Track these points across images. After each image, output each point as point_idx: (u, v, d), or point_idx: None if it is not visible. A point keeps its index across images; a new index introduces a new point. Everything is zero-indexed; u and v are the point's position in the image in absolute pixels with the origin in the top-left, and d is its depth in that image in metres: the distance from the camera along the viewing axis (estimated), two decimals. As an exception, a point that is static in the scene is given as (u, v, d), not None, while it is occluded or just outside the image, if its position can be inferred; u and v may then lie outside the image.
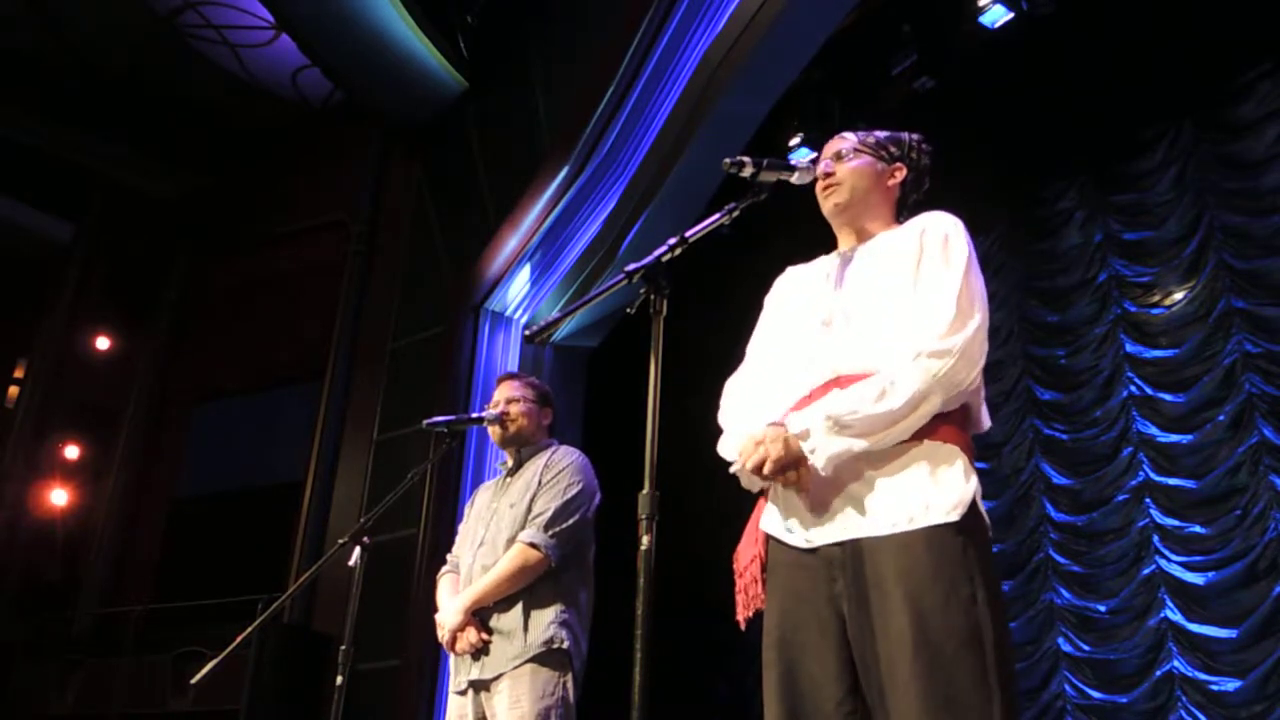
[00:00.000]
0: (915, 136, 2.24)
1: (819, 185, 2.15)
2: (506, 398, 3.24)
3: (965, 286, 1.94)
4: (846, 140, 2.20)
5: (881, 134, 2.22)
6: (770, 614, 1.94)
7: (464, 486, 6.18)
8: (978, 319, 1.92)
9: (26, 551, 8.21)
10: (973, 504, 1.85)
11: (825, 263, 2.19)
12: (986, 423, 2.01)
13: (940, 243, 2.00)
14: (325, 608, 6.47)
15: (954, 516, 1.81)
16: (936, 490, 1.83)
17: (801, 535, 1.91)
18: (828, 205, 2.16)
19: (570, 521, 3.01)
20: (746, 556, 2.04)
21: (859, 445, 1.82)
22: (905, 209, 2.20)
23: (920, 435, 1.87)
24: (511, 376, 3.36)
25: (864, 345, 1.94)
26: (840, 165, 2.15)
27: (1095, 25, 6.28)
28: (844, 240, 2.19)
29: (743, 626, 2.02)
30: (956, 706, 1.67)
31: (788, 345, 2.09)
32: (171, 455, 8.35)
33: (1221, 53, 6.04)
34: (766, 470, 1.84)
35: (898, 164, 2.18)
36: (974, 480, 1.88)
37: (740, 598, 2.04)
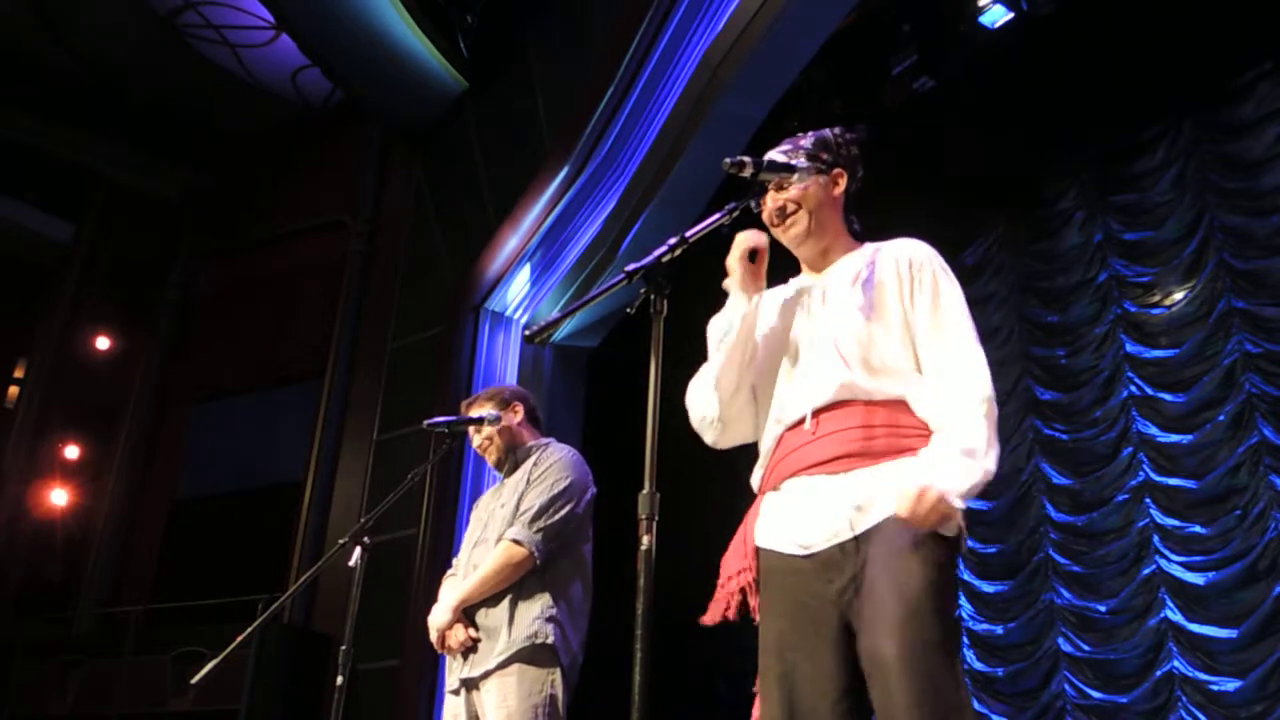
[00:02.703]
0: (836, 131, 2.21)
1: (773, 218, 2.11)
2: (475, 427, 3.20)
3: (971, 326, 2.00)
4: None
5: (807, 142, 2.16)
6: (767, 620, 1.96)
7: (464, 486, 6.18)
8: (975, 344, 2.00)
9: (26, 551, 8.21)
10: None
11: (800, 284, 2.17)
12: None
13: (932, 282, 2.02)
14: (325, 608, 6.47)
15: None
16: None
17: (796, 543, 1.94)
18: (789, 237, 2.13)
19: (557, 516, 2.98)
20: (733, 567, 2.05)
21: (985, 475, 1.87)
22: (851, 208, 2.19)
23: (917, 447, 1.92)
24: (467, 405, 3.29)
25: (857, 370, 1.97)
26: (786, 193, 2.10)
27: (1095, 25, 6.28)
28: (809, 263, 2.18)
29: (707, 624, 2.04)
30: (932, 680, 1.76)
31: (771, 366, 2.10)
32: (171, 455, 8.35)
33: (1221, 53, 6.04)
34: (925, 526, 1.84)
35: (837, 170, 2.15)
36: None
37: (715, 606, 2.05)
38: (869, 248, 2.13)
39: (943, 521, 1.81)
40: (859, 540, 1.87)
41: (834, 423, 1.95)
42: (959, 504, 1.82)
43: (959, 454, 1.84)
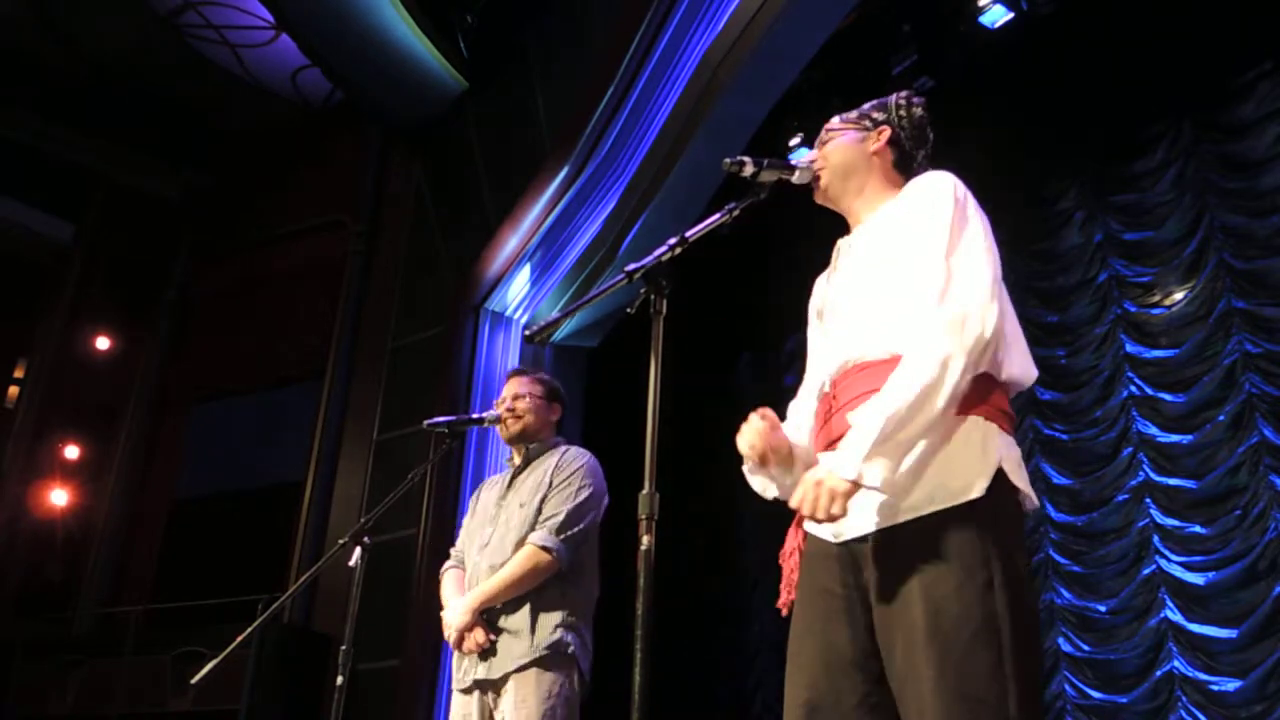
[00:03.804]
0: (903, 94, 2.18)
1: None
2: (514, 394, 3.21)
3: (952, 240, 1.86)
4: (830, 125, 2.17)
5: (867, 105, 2.17)
6: (798, 605, 1.92)
7: (464, 486, 6.18)
8: (975, 269, 1.84)
9: (26, 551, 8.21)
10: (997, 477, 1.76)
11: (836, 253, 2.15)
12: (1027, 373, 1.90)
13: (922, 206, 1.93)
14: (325, 608, 6.47)
15: (972, 494, 1.74)
16: (952, 469, 1.75)
17: (830, 529, 1.88)
18: (815, 194, 2.13)
19: (581, 526, 3.00)
20: (787, 549, 2.01)
21: (916, 447, 1.74)
22: (911, 167, 2.12)
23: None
24: (520, 372, 3.33)
25: (867, 327, 1.90)
26: (822, 152, 2.12)
27: (1095, 25, 6.28)
28: (849, 221, 2.14)
29: (784, 613, 1.95)
30: (970, 698, 1.63)
31: (810, 344, 2.11)
32: (171, 455, 8.35)
33: (1221, 53, 6.04)
34: (820, 515, 1.74)
35: (882, 127, 2.12)
36: (999, 449, 1.79)
37: (783, 590, 1.99)
38: (895, 197, 2.05)
39: (835, 498, 1.69)
40: (888, 534, 1.76)
41: (851, 388, 1.88)
42: (848, 482, 1.69)
43: (861, 424, 1.73)
